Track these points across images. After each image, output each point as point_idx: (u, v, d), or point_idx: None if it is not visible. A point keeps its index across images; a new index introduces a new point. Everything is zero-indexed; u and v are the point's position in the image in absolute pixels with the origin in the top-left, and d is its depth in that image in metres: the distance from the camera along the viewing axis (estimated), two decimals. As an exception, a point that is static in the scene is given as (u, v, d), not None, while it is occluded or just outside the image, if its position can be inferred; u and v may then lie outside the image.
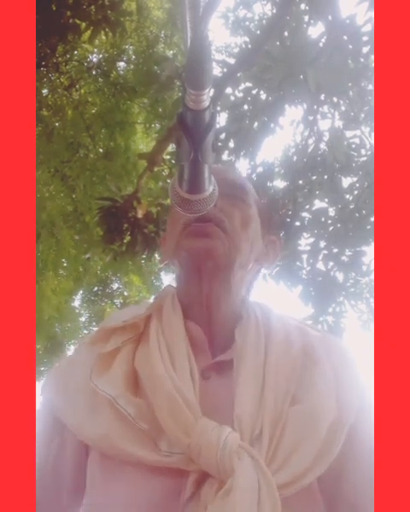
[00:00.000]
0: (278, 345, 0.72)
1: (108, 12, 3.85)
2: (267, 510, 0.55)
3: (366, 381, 0.75)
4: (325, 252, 3.73)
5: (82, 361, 0.75)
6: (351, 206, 3.70)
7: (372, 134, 3.72)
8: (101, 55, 5.90)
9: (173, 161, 4.00)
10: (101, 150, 5.54)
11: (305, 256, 3.78)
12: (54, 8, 3.77)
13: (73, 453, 0.72)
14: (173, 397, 0.63)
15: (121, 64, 5.90)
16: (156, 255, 4.13)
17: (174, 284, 0.85)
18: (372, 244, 3.56)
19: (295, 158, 3.89)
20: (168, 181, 4.15)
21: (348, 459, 0.66)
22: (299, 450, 0.61)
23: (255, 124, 3.67)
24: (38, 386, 0.74)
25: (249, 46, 3.58)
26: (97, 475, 0.67)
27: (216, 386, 0.70)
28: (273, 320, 0.78)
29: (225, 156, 3.75)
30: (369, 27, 3.05)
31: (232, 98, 3.68)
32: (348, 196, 3.80)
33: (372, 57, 3.20)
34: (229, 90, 3.64)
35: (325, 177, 3.74)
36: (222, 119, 3.73)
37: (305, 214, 3.76)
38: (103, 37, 4.40)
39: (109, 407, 0.66)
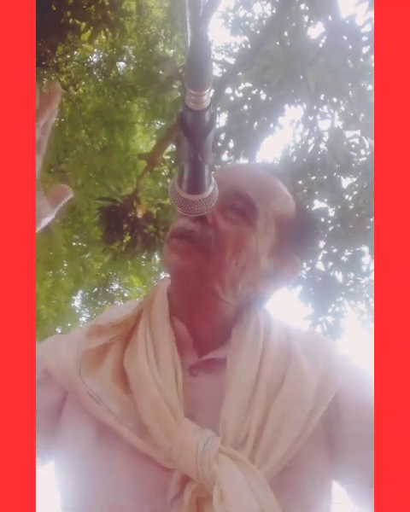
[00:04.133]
0: (275, 356, 0.71)
1: (108, 12, 3.85)
2: (266, 503, 0.56)
3: (346, 355, 0.75)
4: (325, 252, 3.73)
5: (75, 343, 0.74)
6: (350, 207, 3.70)
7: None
8: (101, 55, 5.91)
9: (173, 161, 4.00)
10: (99, 148, 5.53)
11: (304, 256, 3.77)
12: (54, 8, 3.77)
13: (54, 400, 0.72)
14: (156, 400, 0.63)
15: (121, 64, 5.91)
16: (156, 255, 4.13)
17: None
18: (372, 244, 3.56)
19: (294, 158, 3.89)
20: (168, 181, 4.16)
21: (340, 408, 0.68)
22: (278, 443, 0.62)
23: (255, 124, 3.67)
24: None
25: (249, 46, 3.58)
26: (91, 444, 0.67)
27: (204, 383, 0.70)
28: (274, 329, 0.75)
29: (225, 156, 3.75)
30: (369, 27, 3.05)
31: (232, 98, 3.68)
32: (347, 196, 3.80)
33: (372, 57, 3.20)
34: (229, 91, 3.65)
35: (325, 177, 3.75)
36: (222, 120, 3.74)
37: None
38: (103, 37, 4.40)
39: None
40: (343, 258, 3.72)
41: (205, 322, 0.74)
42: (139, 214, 3.73)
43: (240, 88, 3.67)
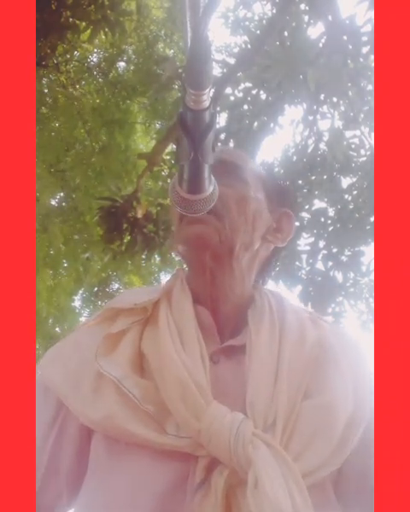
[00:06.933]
0: (293, 335, 0.71)
1: (108, 12, 3.84)
2: (297, 497, 0.54)
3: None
4: (325, 252, 3.73)
5: (84, 341, 0.73)
6: (350, 206, 3.70)
7: (372, 134, 3.72)
8: (101, 55, 5.90)
9: (173, 161, 4.00)
10: (99, 148, 5.52)
11: (304, 256, 3.78)
12: (54, 8, 3.76)
13: (73, 440, 0.69)
14: (184, 380, 0.61)
15: (121, 64, 5.91)
16: (156, 255, 4.13)
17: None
18: (372, 244, 3.57)
19: (294, 158, 3.90)
20: (168, 181, 4.16)
21: (362, 457, 0.65)
22: (314, 445, 0.60)
23: (255, 124, 3.68)
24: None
25: (249, 46, 3.58)
26: (101, 459, 0.65)
27: (225, 370, 0.69)
28: (287, 309, 0.76)
29: (224, 156, 3.74)
30: (369, 27, 3.05)
31: (232, 98, 3.68)
32: (347, 196, 3.80)
33: (372, 57, 3.20)
34: (229, 90, 3.65)
35: (325, 177, 3.75)
36: (222, 119, 3.74)
37: (304, 214, 3.76)
38: (103, 37, 4.39)
39: (114, 389, 0.64)
40: (343, 258, 3.72)
41: (225, 304, 0.75)
42: (139, 214, 3.73)
43: (240, 88, 3.67)
